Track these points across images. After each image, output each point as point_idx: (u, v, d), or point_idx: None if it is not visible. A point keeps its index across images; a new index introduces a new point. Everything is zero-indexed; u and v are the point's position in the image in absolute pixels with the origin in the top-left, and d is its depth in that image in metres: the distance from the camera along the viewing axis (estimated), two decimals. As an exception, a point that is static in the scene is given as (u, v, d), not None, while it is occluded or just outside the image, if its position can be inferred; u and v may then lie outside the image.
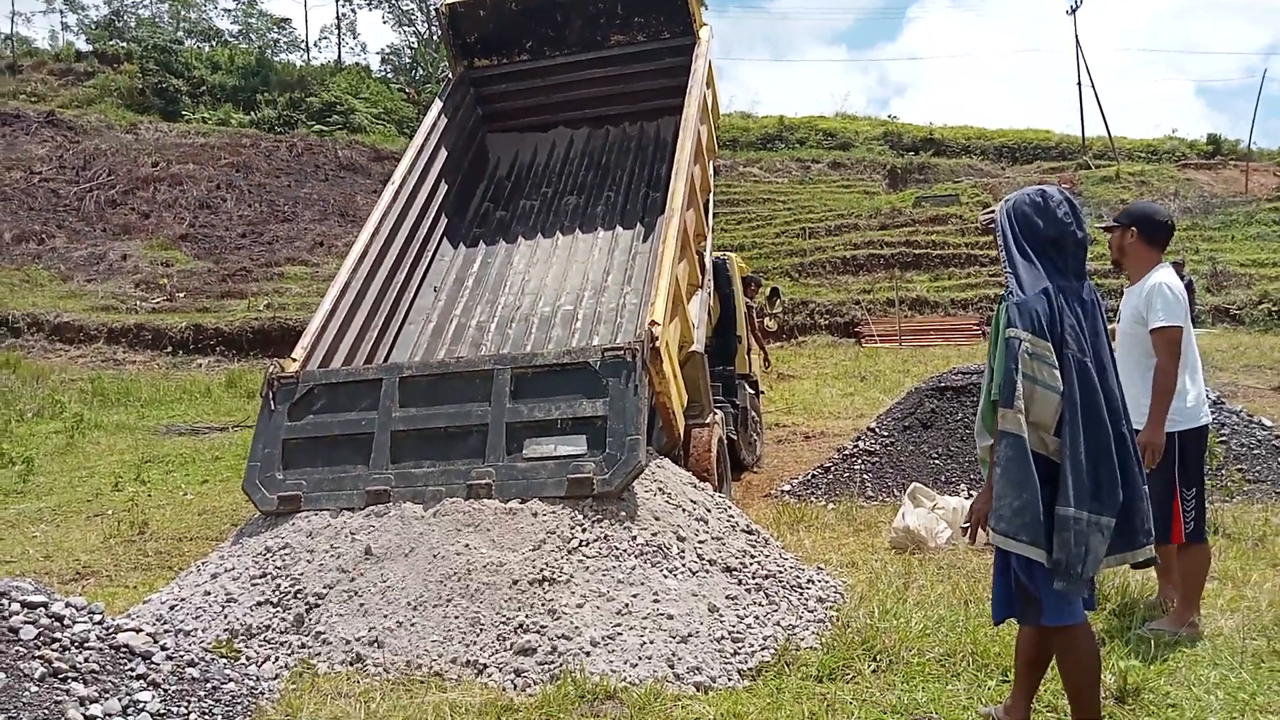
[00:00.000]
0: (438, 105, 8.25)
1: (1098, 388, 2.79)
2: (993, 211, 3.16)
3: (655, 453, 5.39)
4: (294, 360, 5.69)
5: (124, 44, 42.69)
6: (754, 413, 9.55)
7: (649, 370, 4.97)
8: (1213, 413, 7.08)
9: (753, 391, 9.69)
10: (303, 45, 55.35)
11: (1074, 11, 41.44)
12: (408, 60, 52.99)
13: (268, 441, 5.29)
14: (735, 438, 8.46)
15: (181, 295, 22.74)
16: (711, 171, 8.49)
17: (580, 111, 8.92)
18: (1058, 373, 2.76)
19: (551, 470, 4.72)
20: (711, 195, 8.44)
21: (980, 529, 2.96)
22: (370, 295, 6.64)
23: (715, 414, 6.93)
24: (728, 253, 10.12)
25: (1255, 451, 6.83)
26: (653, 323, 5.12)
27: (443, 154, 7.92)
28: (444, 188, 7.86)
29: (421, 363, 5.92)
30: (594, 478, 4.60)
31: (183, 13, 51.28)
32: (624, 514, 4.54)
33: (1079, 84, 41.08)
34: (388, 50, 57.15)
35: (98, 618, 3.62)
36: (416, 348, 6.84)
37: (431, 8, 55.08)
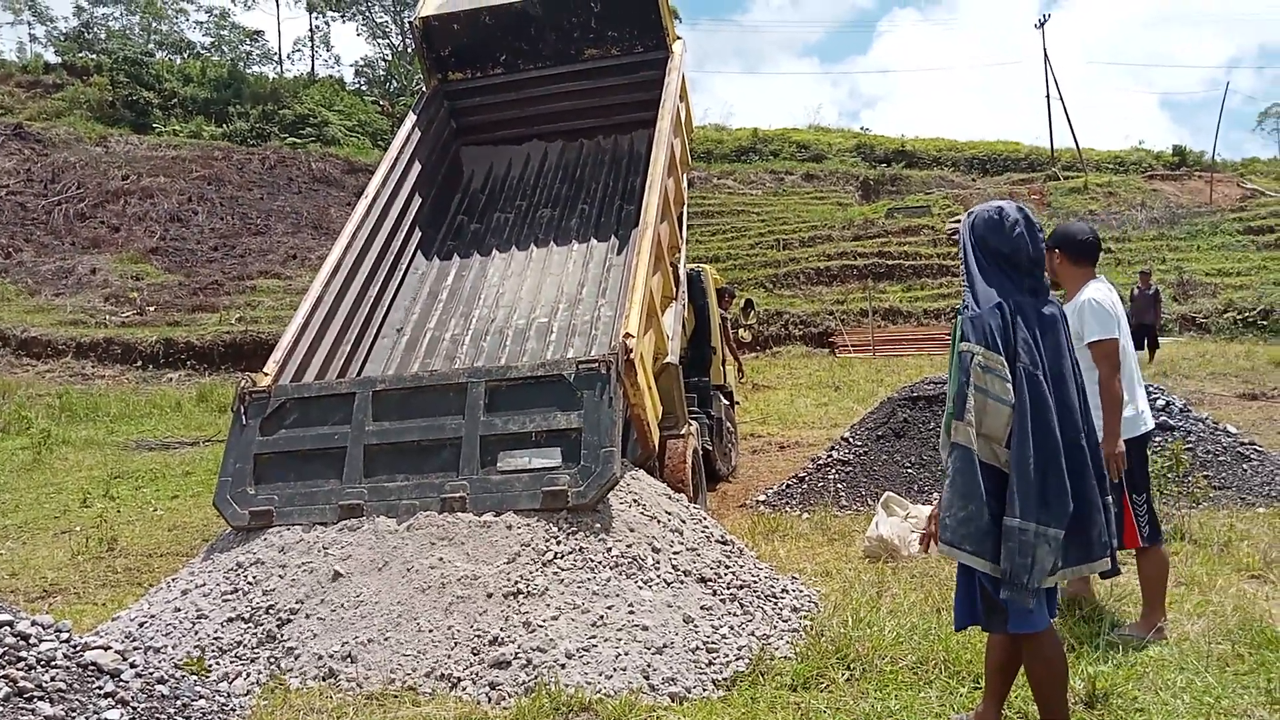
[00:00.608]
0: (411, 118, 8.23)
1: (1049, 401, 2.82)
2: (958, 223, 3.22)
3: (630, 464, 5.38)
4: (266, 375, 5.63)
5: (94, 56, 42.24)
6: (729, 423, 9.58)
7: (624, 383, 4.96)
8: (1179, 420, 7.24)
9: (727, 402, 9.71)
10: (275, 58, 55.06)
11: (1042, 25, 42.24)
12: (381, 73, 52.88)
13: (239, 456, 5.23)
14: (710, 448, 8.46)
15: (152, 309, 22.48)
16: (685, 184, 8.53)
17: (554, 124, 8.95)
18: (1009, 385, 2.80)
19: (526, 483, 4.70)
20: (685, 208, 8.49)
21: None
22: (344, 309, 6.60)
23: (690, 425, 6.94)
24: (702, 265, 10.15)
25: (1220, 458, 6.95)
26: (627, 335, 5.11)
27: (417, 167, 7.91)
28: (418, 200, 7.84)
29: (395, 376, 5.87)
30: (568, 490, 4.59)
31: (154, 25, 50.93)
32: (599, 526, 4.54)
33: (1047, 96, 41.77)
34: (361, 63, 56.97)
35: (65, 635, 3.57)
36: (390, 361, 6.79)
37: (405, 21, 55.04)
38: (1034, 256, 2.97)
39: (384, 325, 7.09)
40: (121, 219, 27.57)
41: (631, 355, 5.00)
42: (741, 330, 14.48)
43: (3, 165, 29.13)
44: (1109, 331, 4.06)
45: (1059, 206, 32.12)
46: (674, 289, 7.21)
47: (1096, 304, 4.11)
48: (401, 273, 7.51)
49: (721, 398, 9.35)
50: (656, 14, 8.37)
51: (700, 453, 7.26)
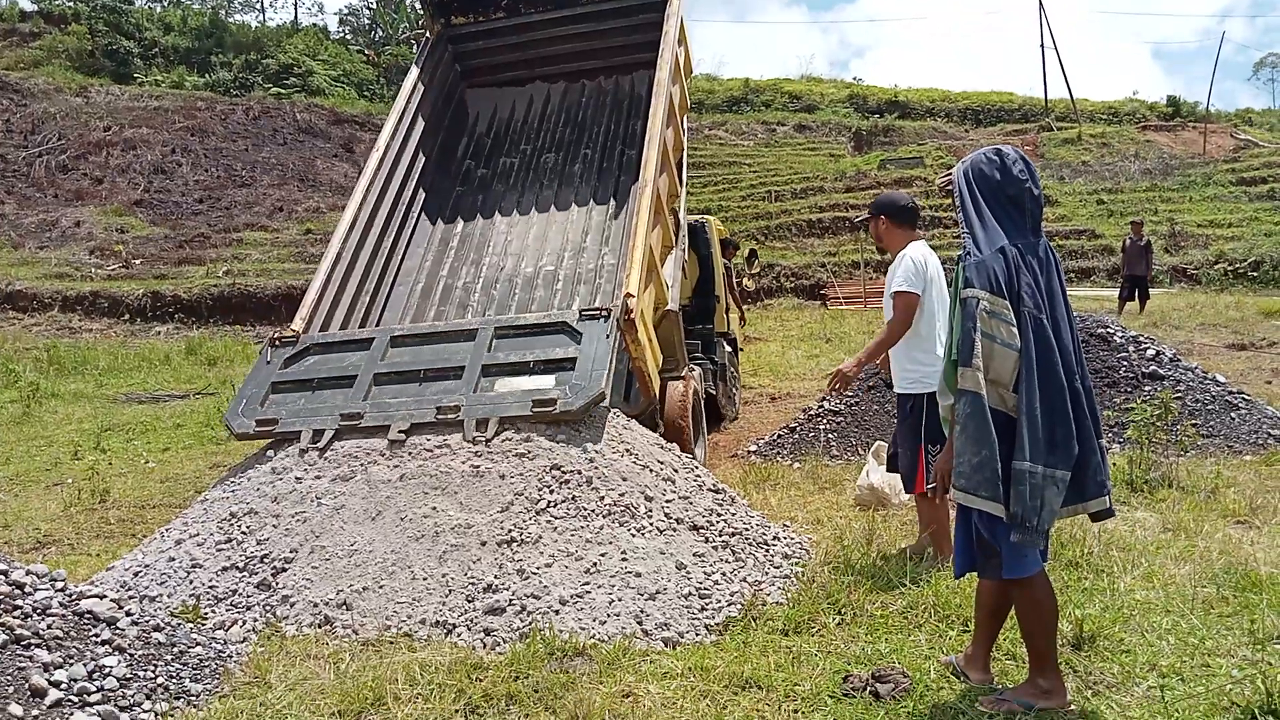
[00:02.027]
0: (416, 66, 8.38)
1: (1054, 344, 2.83)
2: (950, 173, 3.19)
3: (632, 410, 5.78)
4: (293, 331, 6.00)
5: (71, 3, 41.25)
6: (732, 369, 9.97)
7: (625, 339, 5.32)
8: (1169, 369, 7.27)
9: (730, 349, 10.06)
10: (258, 6, 53.92)
11: (1038, -27, 41.50)
12: (366, 21, 51.82)
13: (256, 384, 5.62)
14: (714, 393, 8.89)
15: (138, 262, 22.26)
16: (685, 129, 8.61)
17: (557, 66, 9.08)
18: (1015, 330, 2.80)
19: (517, 396, 4.98)
20: (685, 153, 8.63)
21: (944, 486, 3.02)
22: (361, 261, 6.93)
23: (691, 369, 7.30)
24: (706, 216, 10.38)
25: (1209, 407, 6.99)
26: (628, 295, 5.39)
27: (424, 114, 8.09)
28: (427, 147, 8.09)
29: (413, 326, 6.27)
30: (557, 400, 4.84)
31: (132, -30, 49.61)
32: (591, 475, 4.55)
33: (1042, 46, 41.38)
34: (345, 11, 55.91)
35: (60, 584, 3.58)
36: (406, 309, 7.11)
37: (391, -34, 53.83)
38: (1036, 196, 2.96)
39: (399, 273, 7.38)
40: (104, 171, 27.16)
41: (632, 315, 5.30)
42: (745, 279, 14.66)
43: (-19, 116, 28.59)
44: (911, 286, 4.42)
45: (1052, 158, 31.94)
46: (673, 238, 7.39)
47: (912, 261, 4.48)
48: (414, 221, 7.75)
49: (725, 344, 9.72)
50: None
51: (702, 397, 7.58)
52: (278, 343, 5.86)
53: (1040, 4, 41.51)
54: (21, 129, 28.32)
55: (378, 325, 6.73)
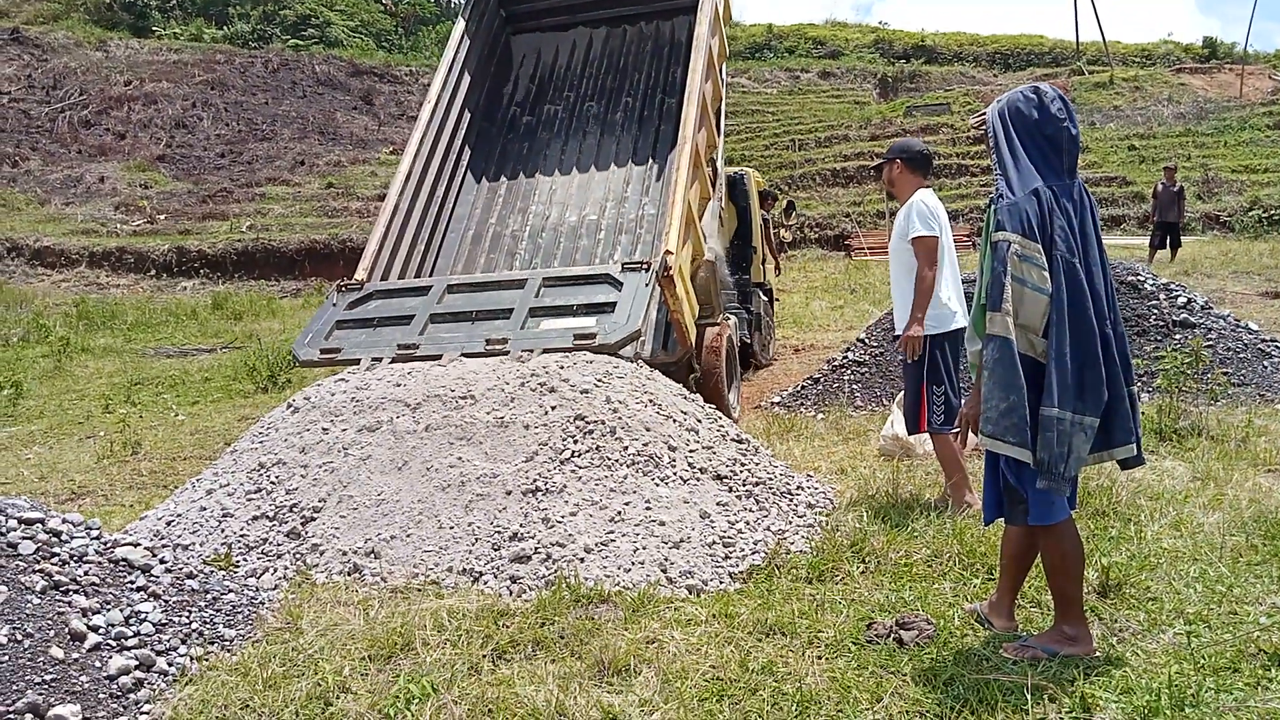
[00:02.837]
0: (463, 15, 8.59)
1: (1086, 289, 2.78)
2: (984, 115, 3.11)
3: (670, 357, 6.22)
4: (357, 280, 6.44)
5: (87, -45, 40.97)
6: (767, 318, 10.35)
7: (665, 293, 5.66)
8: (1200, 317, 7.16)
9: (766, 299, 10.36)
10: (274, -45, 53.27)
11: (1071, -90, 40.19)
12: (384, -31, 51.11)
13: (323, 323, 6.08)
14: (750, 340, 9.28)
15: (162, 217, 22.38)
16: (723, 78, 8.69)
17: (599, 12, 9.24)
18: (1046, 274, 2.74)
19: (560, 332, 5.39)
20: (723, 103, 8.75)
21: (970, 431, 2.99)
22: (416, 211, 7.32)
23: (727, 317, 7.62)
24: (745, 168, 10.61)
25: (1241, 355, 6.89)
26: (667, 252, 5.70)
27: (471, 63, 8.32)
28: (474, 97, 8.37)
29: (468, 275, 6.70)
30: (595, 333, 5.24)
31: (147, -79, 49.14)
32: (615, 425, 4.57)
33: (1074, -14, 40.07)
34: (363, -41, 55.05)
35: (95, 533, 3.64)
36: (459, 257, 7.52)
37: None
38: (1074, 135, 2.88)
39: (451, 221, 7.77)
40: (126, 126, 27.21)
41: (671, 271, 5.62)
42: (782, 231, 14.79)
43: (3, 71, 28.66)
44: (930, 229, 4.48)
45: (1084, 102, 31.18)
46: (710, 189, 7.59)
47: (924, 205, 4.54)
48: (464, 170, 8.07)
49: (761, 294, 10.02)
50: None
51: (735, 342, 7.88)
52: (343, 288, 6.34)
53: (1073, -58, 40.22)
54: (43, 84, 28.38)
55: (432, 271, 7.23)
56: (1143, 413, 5.39)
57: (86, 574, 3.35)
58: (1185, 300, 7.37)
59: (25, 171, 24.29)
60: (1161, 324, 7.15)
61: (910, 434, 5.00)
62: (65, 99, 27.73)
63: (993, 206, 2.88)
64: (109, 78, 29.06)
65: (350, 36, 37.95)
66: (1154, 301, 7.36)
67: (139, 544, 3.73)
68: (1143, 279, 7.61)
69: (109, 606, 3.24)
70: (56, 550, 3.40)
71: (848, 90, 36.16)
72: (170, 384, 10.32)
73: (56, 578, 3.24)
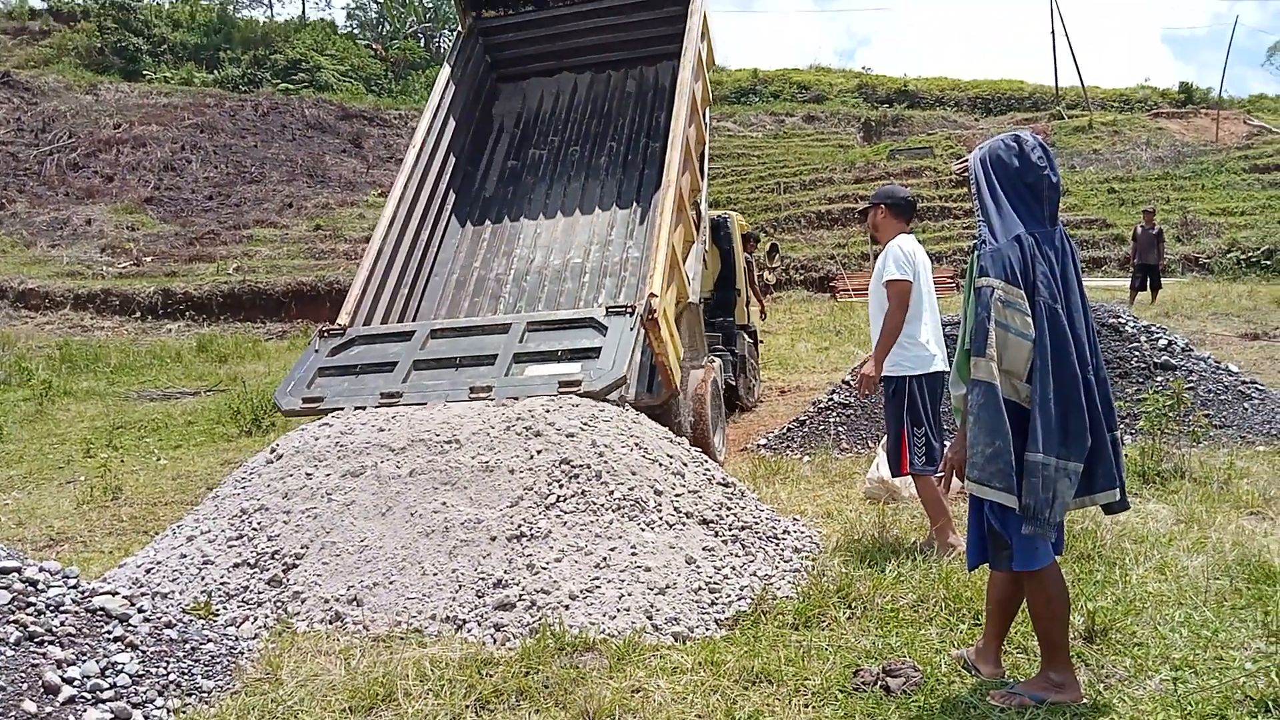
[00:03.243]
0: (448, 63, 8.67)
1: (1069, 335, 2.80)
2: (966, 160, 3.16)
3: (654, 400, 6.12)
4: (339, 324, 6.43)
5: (80, 1, 41.39)
6: (752, 360, 10.30)
7: (649, 336, 5.62)
8: (1181, 359, 7.22)
9: (751, 341, 10.35)
10: (266, 1, 53.99)
11: (1047, -40, 41.18)
12: (374, 15, 51.87)
13: (305, 370, 6.00)
14: (735, 383, 9.23)
15: (148, 259, 22.36)
16: (706, 122, 8.80)
17: (584, 58, 9.37)
18: (1030, 320, 2.77)
19: (545, 379, 5.33)
20: (706, 145, 8.83)
21: (955, 476, 3.00)
22: (400, 256, 7.31)
23: (711, 359, 7.62)
24: (729, 211, 10.72)
25: (1222, 397, 6.95)
26: (651, 294, 5.69)
27: (457, 108, 8.40)
28: (459, 141, 8.43)
29: (451, 319, 6.73)
30: (581, 380, 5.20)
31: (139, -32, 49.73)
32: (601, 469, 4.55)
33: (1052, 33, 41.11)
34: (353, 5, 55.84)
35: (73, 581, 3.59)
36: (442, 300, 7.51)
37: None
38: (1054, 183, 2.93)
39: (435, 265, 7.77)
40: (115, 168, 27.28)
41: (655, 314, 5.60)
42: (766, 273, 14.89)
43: (-8, 115, 28.72)
44: (903, 274, 4.56)
45: (1064, 146, 31.72)
46: (694, 232, 7.62)
47: (900, 250, 4.62)
48: (448, 214, 8.10)
49: (745, 336, 10.03)
50: None
51: (721, 385, 7.86)
52: (325, 334, 6.30)
53: (1050, -9, 41.12)
54: (32, 127, 28.46)
55: (415, 316, 7.23)
56: (1125, 455, 5.43)
57: (63, 624, 3.30)
58: (1166, 342, 7.44)
59: (12, 214, 24.28)
60: (1143, 366, 7.21)
61: (893, 476, 5.03)
62: (54, 142, 27.82)
63: (976, 253, 2.91)
64: (98, 121, 29.19)
65: (340, 81, 38.32)
66: (1135, 343, 7.44)
67: (117, 592, 3.68)
68: (1124, 321, 7.69)
69: (85, 657, 3.19)
70: (33, 600, 3.34)
71: (832, 134, 36.67)
72: (153, 427, 10.24)
73: (31, 628, 3.19)
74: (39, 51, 35.95)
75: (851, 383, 8.03)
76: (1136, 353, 7.34)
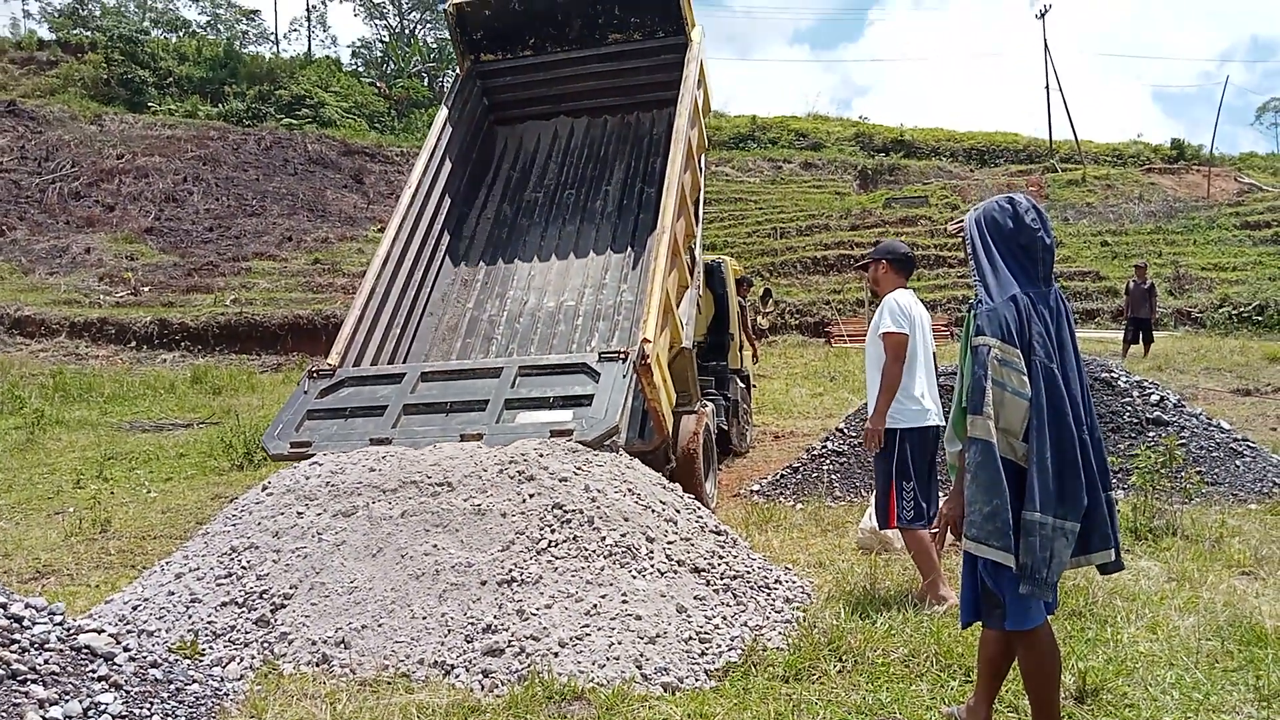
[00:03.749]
0: (446, 105, 8.71)
1: (1064, 394, 2.82)
2: (962, 221, 3.21)
3: (646, 445, 6.08)
4: (329, 365, 6.36)
5: (88, 33, 41.91)
6: (744, 404, 10.27)
7: (641, 382, 5.61)
8: (1173, 415, 7.25)
9: (744, 385, 10.33)
10: (272, 37, 54.75)
11: (1043, 15, 42.02)
12: (379, 54, 52.57)
13: (293, 412, 5.92)
14: (727, 428, 9.17)
15: (146, 289, 22.40)
16: (702, 168, 8.86)
17: (580, 102, 9.42)
18: (1026, 379, 2.80)
19: (536, 426, 5.29)
20: (702, 191, 8.87)
21: (950, 532, 3.01)
22: (393, 295, 7.27)
23: (704, 404, 7.57)
24: (723, 256, 10.74)
25: (1214, 454, 6.97)
26: (645, 340, 5.68)
27: (454, 150, 8.43)
28: (455, 182, 8.44)
29: (443, 362, 6.66)
30: (573, 428, 5.15)
31: (149, 2, 50.53)
32: (593, 515, 4.54)
33: (1047, 88, 41.68)
34: (359, 43, 56.73)
35: (58, 618, 3.56)
36: (434, 342, 7.46)
37: (405, 2, 54.66)
38: (1048, 245, 2.96)
39: (428, 306, 7.72)
40: (116, 198, 27.43)
41: (648, 359, 5.59)
42: (760, 318, 14.95)
43: (-3, 142, 28.92)
44: (899, 326, 4.61)
45: (1057, 199, 32.10)
46: (688, 277, 7.60)
47: (896, 304, 4.68)
48: (442, 254, 8.08)
49: (738, 381, 9.98)
50: (676, 3, 8.69)
51: (713, 430, 7.83)
52: (315, 375, 6.21)
53: (1046, 46, 41.95)
54: (36, 156, 28.66)
55: (406, 357, 7.18)
56: (1119, 511, 5.43)
57: (47, 662, 3.27)
58: (1158, 398, 7.48)
59: (11, 241, 24.36)
60: (1135, 421, 7.24)
61: (881, 528, 5.04)
62: (57, 170, 27.99)
63: (972, 312, 2.95)
64: (102, 151, 29.41)
65: (344, 117, 38.72)
66: (1128, 398, 7.47)
67: (103, 630, 3.65)
68: (1116, 375, 7.74)
69: (68, 697, 3.15)
70: (17, 637, 3.31)
71: (829, 181, 37.07)
72: (144, 459, 10.18)
73: (15, 666, 3.16)
74: (46, 81, 36.30)
75: (845, 430, 8.05)
76: (1129, 407, 7.37)
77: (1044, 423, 2.77)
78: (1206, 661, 3.66)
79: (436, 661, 3.81)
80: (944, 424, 4.65)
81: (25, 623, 3.44)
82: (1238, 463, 6.88)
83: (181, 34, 48.28)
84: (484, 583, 4.15)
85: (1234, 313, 21.61)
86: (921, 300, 4.98)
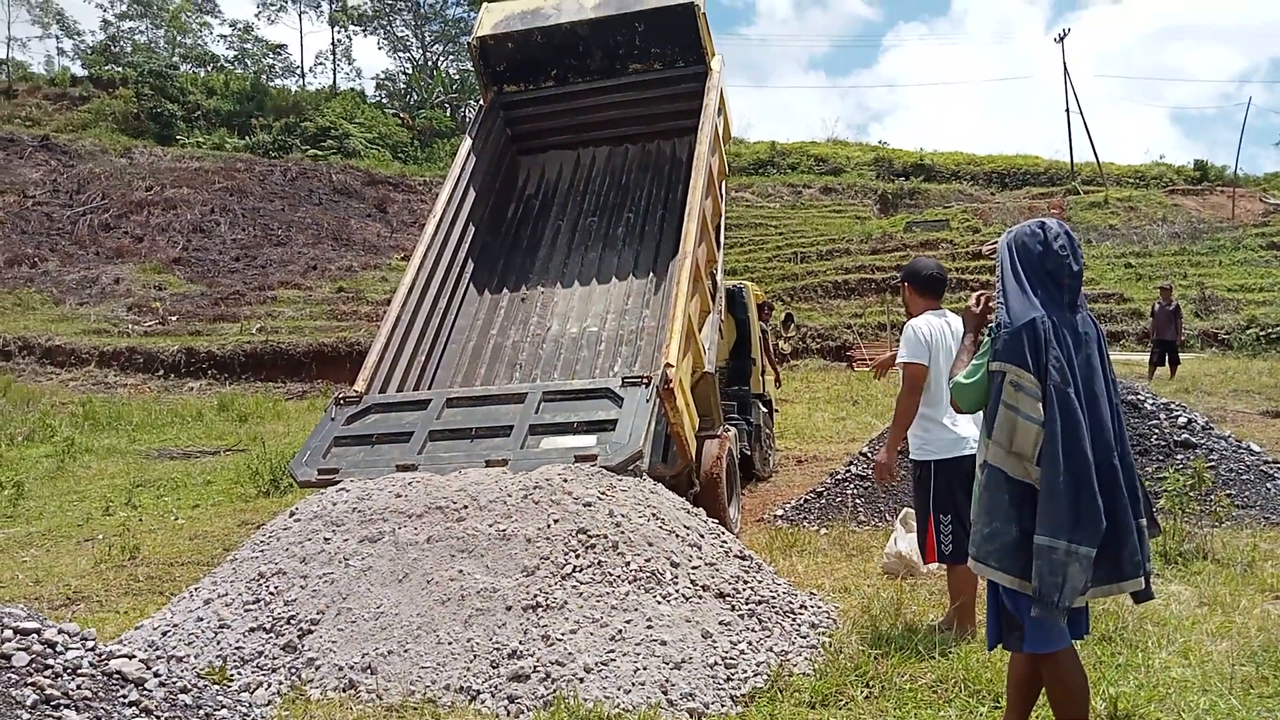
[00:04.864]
0: (470, 136, 8.84)
1: (1081, 418, 2.80)
2: (995, 243, 3.24)
3: (669, 470, 6.08)
4: (355, 392, 6.44)
5: (120, 69, 42.85)
6: (767, 429, 10.22)
7: (664, 406, 5.63)
8: (1201, 438, 7.17)
9: (766, 410, 10.28)
10: (298, 71, 55.70)
11: (1062, 40, 42.01)
12: (402, 86, 53.33)
13: (321, 438, 5.99)
14: (750, 453, 9.15)
15: (174, 318, 22.74)
16: (723, 194, 8.91)
17: (602, 131, 9.51)
18: (1040, 404, 2.80)
19: (561, 452, 5.38)
20: (723, 218, 8.91)
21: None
22: (418, 323, 7.35)
23: (727, 429, 7.54)
24: (744, 282, 10.82)
25: (1244, 477, 6.88)
26: (667, 364, 5.71)
27: (477, 179, 8.54)
28: (479, 211, 8.54)
29: (467, 389, 6.70)
30: (597, 454, 5.23)
31: (179, 38, 51.61)
32: (618, 540, 4.55)
33: (1067, 110, 41.54)
34: (383, 76, 57.55)
35: (90, 644, 3.60)
36: (459, 368, 7.51)
37: (426, 35, 55.53)
38: (1076, 271, 2.97)
39: (452, 333, 7.79)
40: (145, 229, 27.93)
41: (671, 384, 5.61)
42: (782, 342, 14.98)
43: (30, 176, 29.59)
44: (917, 357, 4.44)
45: (1080, 221, 31.94)
46: (710, 302, 7.66)
47: (914, 332, 4.49)
48: (466, 282, 8.17)
49: (760, 406, 9.95)
50: (696, 34, 8.79)
51: (736, 455, 7.79)
52: (342, 402, 6.29)
53: (1065, 69, 41.88)
54: (67, 188, 29.28)
55: (432, 383, 7.23)
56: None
57: (79, 687, 3.30)
58: (1186, 420, 7.40)
59: (43, 272, 24.83)
60: (1163, 444, 7.17)
61: (924, 564, 4.94)
62: (88, 203, 28.56)
63: (991, 336, 2.96)
64: (131, 183, 29.99)
65: (368, 148, 39.28)
66: (1155, 421, 7.40)
67: (134, 656, 3.68)
68: (1143, 398, 7.66)
69: (100, 722, 3.18)
70: (50, 662, 3.36)
71: (849, 205, 37.13)
72: (172, 486, 10.30)
73: (48, 691, 3.20)
74: (78, 116, 37.13)
75: (869, 454, 8.01)
76: (1156, 430, 7.30)
77: (1056, 447, 2.76)
78: (1241, 687, 3.61)
79: (462, 687, 3.83)
80: None
81: (58, 648, 3.48)
82: (1269, 486, 6.78)
83: (210, 69, 49.26)
84: (509, 608, 4.16)
85: (1262, 334, 21.34)
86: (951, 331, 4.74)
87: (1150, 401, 7.63)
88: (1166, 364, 15.60)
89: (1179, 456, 6.95)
